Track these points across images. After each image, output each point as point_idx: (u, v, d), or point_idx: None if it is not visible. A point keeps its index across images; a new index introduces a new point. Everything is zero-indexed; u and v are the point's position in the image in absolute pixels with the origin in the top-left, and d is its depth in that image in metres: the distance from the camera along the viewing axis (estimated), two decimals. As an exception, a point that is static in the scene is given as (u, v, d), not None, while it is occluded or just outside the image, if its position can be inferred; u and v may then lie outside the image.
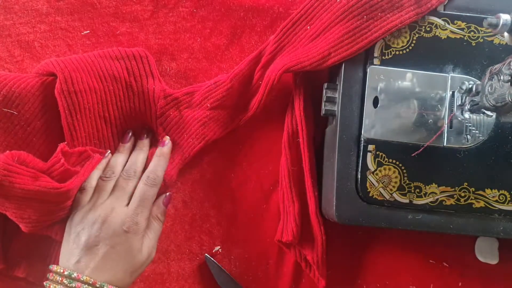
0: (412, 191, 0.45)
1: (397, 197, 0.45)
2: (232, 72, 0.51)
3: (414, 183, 0.45)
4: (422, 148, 0.45)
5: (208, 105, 0.51)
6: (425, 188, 0.45)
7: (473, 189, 0.45)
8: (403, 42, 0.47)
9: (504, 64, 0.38)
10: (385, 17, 0.46)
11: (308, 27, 0.49)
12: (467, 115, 0.45)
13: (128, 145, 0.50)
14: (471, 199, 0.45)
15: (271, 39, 0.51)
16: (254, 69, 0.52)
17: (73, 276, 0.41)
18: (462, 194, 0.45)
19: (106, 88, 0.48)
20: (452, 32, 0.47)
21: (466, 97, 0.45)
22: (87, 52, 0.51)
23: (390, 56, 0.46)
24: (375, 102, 0.46)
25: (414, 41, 0.47)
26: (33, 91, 0.47)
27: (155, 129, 0.51)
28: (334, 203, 0.45)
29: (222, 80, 0.52)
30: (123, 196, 0.46)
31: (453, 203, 0.45)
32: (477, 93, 0.42)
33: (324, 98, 0.48)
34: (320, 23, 0.48)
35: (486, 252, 0.53)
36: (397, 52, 0.47)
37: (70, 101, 0.47)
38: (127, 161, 0.49)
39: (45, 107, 0.48)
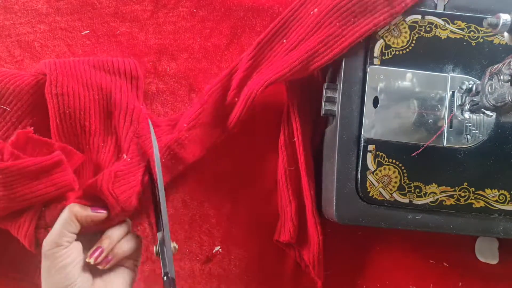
0: (412, 191, 0.45)
1: (397, 197, 0.45)
2: (205, 89, 0.51)
3: (414, 183, 0.45)
4: (422, 148, 0.45)
5: (185, 125, 0.50)
6: (425, 188, 0.45)
7: (473, 189, 0.45)
8: (403, 42, 0.47)
9: (504, 64, 0.38)
10: (358, 21, 0.46)
11: (284, 40, 0.49)
12: (467, 115, 0.45)
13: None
14: (471, 199, 0.45)
15: (245, 55, 0.50)
16: (227, 86, 0.51)
17: None
18: (462, 194, 0.45)
19: (91, 96, 0.48)
20: (452, 32, 0.47)
21: (466, 97, 0.45)
22: (87, 57, 0.51)
23: (390, 56, 0.46)
24: (375, 102, 0.46)
25: (414, 41, 0.47)
26: (27, 89, 0.47)
27: (127, 147, 0.48)
28: (334, 203, 0.45)
29: (197, 99, 0.52)
30: None
31: (453, 203, 0.45)
32: (477, 93, 0.42)
33: (324, 98, 0.48)
34: (296, 35, 0.49)
35: (486, 252, 0.53)
36: (397, 52, 0.47)
37: (55, 103, 0.46)
38: None
39: (37, 106, 0.48)
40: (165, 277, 0.43)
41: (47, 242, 0.40)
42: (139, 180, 0.47)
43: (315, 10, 0.48)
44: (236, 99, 0.51)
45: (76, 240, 0.42)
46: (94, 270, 0.42)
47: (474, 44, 0.47)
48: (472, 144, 0.45)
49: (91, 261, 0.41)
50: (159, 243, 0.45)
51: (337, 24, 0.47)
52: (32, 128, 0.45)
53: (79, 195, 0.44)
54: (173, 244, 0.45)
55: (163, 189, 0.46)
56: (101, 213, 0.43)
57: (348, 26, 0.47)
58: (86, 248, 0.43)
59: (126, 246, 0.44)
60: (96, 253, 0.42)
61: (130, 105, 0.48)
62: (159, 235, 0.45)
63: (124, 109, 0.48)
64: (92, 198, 0.44)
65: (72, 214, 0.41)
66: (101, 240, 0.43)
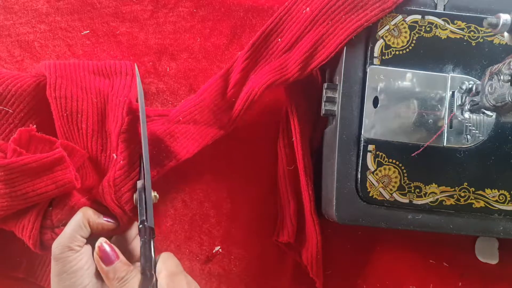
0: (412, 191, 0.45)
1: (397, 197, 0.45)
2: (202, 88, 0.51)
3: (414, 183, 0.45)
4: (422, 148, 0.45)
5: (181, 118, 0.49)
6: (425, 188, 0.45)
7: (473, 189, 0.45)
8: (403, 42, 0.47)
9: (504, 64, 0.38)
10: (349, 18, 0.47)
11: (279, 39, 0.50)
12: (467, 115, 0.45)
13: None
14: (471, 199, 0.45)
15: (241, 55, 0.50)
16: (224, 85, 0.51)
17: None
18: (462, 194, 0.45)
19: (89, 98, 0.47)
20: (452, 32, 0.47)
21: (466, 97, 0.45)
22: (85, 61, 0.51)
23: (390, 56, 0.46)
24: (375, 102, 0.46)
25: (414, 41, 0.47)
26: (29, 91, 0.47)
27: (116, 145, 0.46)
28: (334, 203, 0.45)
29: (193, 96, 0.51)
30: None
31: (453, 203, 0.45)
32: (477, 93, 0.42)
33: (324, 98, 0.48)
34: (291, 34, 0.49)
35: (486, 252, 0.53)
36: (397, 52, 0.47)
37: (55, 106, 0.46)
38: None
39: (39, 108, 0.48)
40: (140, 225, 0.43)
41: (58, 245, 0.40)
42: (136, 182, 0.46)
43: (307, 9, 0.48)
44: (234, 99, 0.50)
45: (86, 244, 0.42)
46: None
47: (474, 44, 0.47)
48: (472, 144, 0.45)
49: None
50: (138, 191, 0.45)
51: (330, 22, 0.47)
52: (35, 126, 0.45)
53: (88, 197, 0.45)
54: (154, 193, 0.44)
55: (146, 134, 0.45)
56: (112, 223, 0.44)
57: (340, 24, 0.47)
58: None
59: (136, 250, 0.44)
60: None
61: (121, 102, 0.48)
62: (139, 183, 0.45)
63: (115, 106, 0.48)
64: (100, 202, 0.45)
65: (85, 218, 0.42)
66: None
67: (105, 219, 0.44)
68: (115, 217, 0.44)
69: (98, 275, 0.42)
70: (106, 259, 0.40)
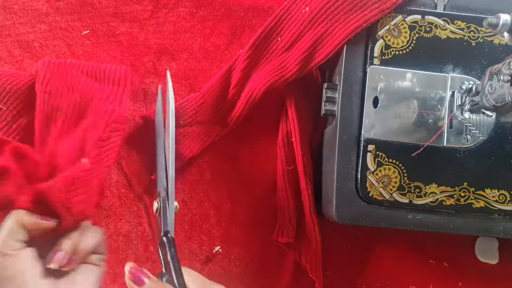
0: (412, 191, 0.45)
1: (397, 197, 0.45)
2: (204, 88, 0.52)
3: (414, 183, 0.45)
4: (422, 148, 0.45)
5: (182, 122, 0.51)
6: (425, 188, 0.45)
7: (473, 189, 0.45)
8: (403, 42, 0.47)
9: (504, 64, 0.38)
10: (348, 19, 0.47)
11: (279, 38, 0.50)
12: (467, 115, 0.45)
13: None
14: (471, 199, 0.45)
15: (242, 54, 0.51)
16: (226, 84, 0.51)
17: None
18: (462, 194, 0.45)
19: (73, 98, 0.46)
20: (452, 32, 0.47)
21: (466, 97, 0.45)
22: (81, 61, 0.50)
23: (390, 56, 0.47)
24: (375, 102, 0.46)
25: (414, 41, 0.47)
26: (23, 89, 0.47)
27: (89, 151, 0.44)
28: (334, 203, 0.45)
29: (194, 97, 0.52)
30: None
31: (453, 203, 0.45)
32: (477, 93, 0.42)
33: (324, 98, 0.48)
34: (290, 34, 0.49)
35: (486, 252, 0.53)
36: (397, 52, 0.47)
37: (39, 100, 0.45)
38: None
39: (33, 106, 0.47)
40: (164, 237, 0.41)
41: None
42: (97, 188, 0.44)
43: (307, 9, 0.48)
44: (236, 98, 0.51)
45: (30, 246, 0.39)
46: (56, 272, 0.40)
47: (474, 44, 0.47)
48: (472, 144, 0.45)
49: (54, 266, 0.39)
50: (161, 200, 0.44)
51: (329, 22, 0.47)
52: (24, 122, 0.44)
53: (31, 200, 0.41)
54: (175, 203, 0.44)
55: (174, 139, 0.46)
56: (50, 222, 0.40)
57: (339, 24, 0.47)
58: (46, 252, 0.40)
59: (88, 242, 0.41)
60: (55, 257, 0.39)
61: (108, 110, 0.46)
62: (162, 192, 0.44)
63: (100, 112, 0.46)
64: (45, 203, 0.41)
65: (18, 221, 0.39)
66: (61, 242, 0.40)
67: (41, 218, 0.40)
68: (56, 217, 0.41)
69: (46, 275, 0.39)
70: (137, 280, 0.39)
